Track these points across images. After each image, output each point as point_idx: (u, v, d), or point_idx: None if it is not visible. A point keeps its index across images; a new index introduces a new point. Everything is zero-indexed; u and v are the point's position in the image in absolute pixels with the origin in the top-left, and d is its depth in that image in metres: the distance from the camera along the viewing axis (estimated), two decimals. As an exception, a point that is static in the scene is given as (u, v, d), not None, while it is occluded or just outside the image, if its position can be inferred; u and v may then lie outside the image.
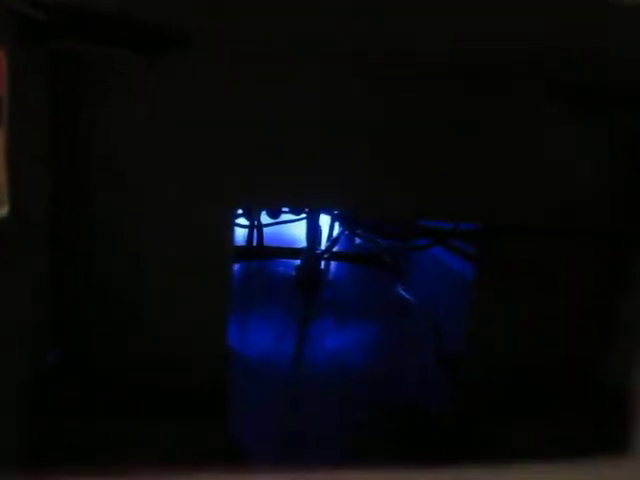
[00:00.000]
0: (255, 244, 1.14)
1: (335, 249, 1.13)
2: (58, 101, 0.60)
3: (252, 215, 1.09)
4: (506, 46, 0.49)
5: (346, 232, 1.09)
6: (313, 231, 1.04)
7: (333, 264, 1.21)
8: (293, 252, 1.16)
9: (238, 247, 1.12)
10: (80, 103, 0.61)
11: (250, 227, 1.12)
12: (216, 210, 0.66)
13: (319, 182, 0.68)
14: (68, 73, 0.60)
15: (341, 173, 0.67)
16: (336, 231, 1.11)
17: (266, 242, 1.17)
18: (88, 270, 0.64)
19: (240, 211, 1.01)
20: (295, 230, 1.23)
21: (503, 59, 0.56)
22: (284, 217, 1.12)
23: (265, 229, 1.15)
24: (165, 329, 0.67)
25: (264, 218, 1.13)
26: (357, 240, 1.20)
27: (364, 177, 0.68)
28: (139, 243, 0.65)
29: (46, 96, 0.58)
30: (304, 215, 1.07)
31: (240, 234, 1.13)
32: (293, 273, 1.10)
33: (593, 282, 0.75)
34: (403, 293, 1.09)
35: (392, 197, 0.70)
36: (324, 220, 1.10)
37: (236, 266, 1.10)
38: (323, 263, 1.08)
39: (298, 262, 1.10)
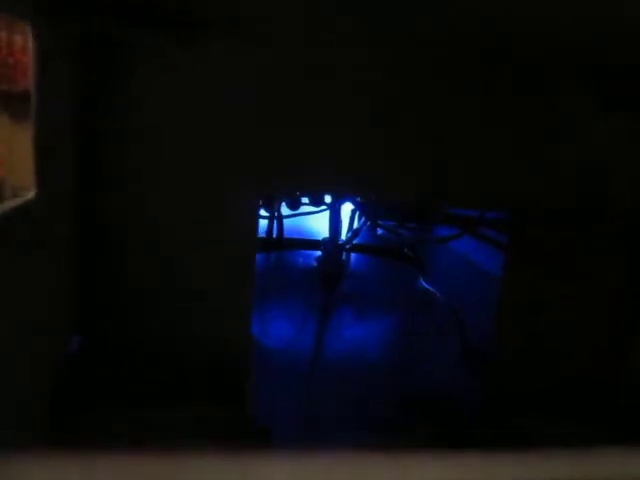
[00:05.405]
0: (275, 236, 1.13)
1: (357, 241, 1.12)
2: (85, 86, 0.59)
3: (272, 206, 1.08)
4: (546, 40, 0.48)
5: (368, 223, 1.08)
6: (335, 222, 1.03)
7: (354, 256, 1.20)
8: (313, 244, 1.15)
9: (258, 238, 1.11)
10: (107, 87, 0.60)
11: (270, 218, 1.11)
12: (240, 198, 0.65)
13: (341, 166, 0.67)
14: (96, 58, 0.59)
15: (364, 156, 0.67)
16: (357, 222, 1.10)
17: (286, 234, 1.16)
18: (112, 256, 0.64)
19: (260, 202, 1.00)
20: (314, 222, 1.22)
21: (539, 48, 0.55)
22: (304, 209, 1.11)
23: (284, 221, 1.14)
24: (189, 318, 0.67)
25: (284, 210, 1.12)
26: (379, 231, 1.18)
27: (385, 160, 0.67)
28: (164, 230, 0.64)
29: (73, 81, 0.58)
30: (324, 207, 1.06)
31: (260, 226, 1.13)
32: (314, 264, 1.10)
33: (626, 276, 0.74)
34: (426, 285, 1.08)
35: (415, 181, 0.69)
36: (345, 212, 1.09)
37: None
38: (344, 254, 1.08)
39: (319, 254, 1.09)
